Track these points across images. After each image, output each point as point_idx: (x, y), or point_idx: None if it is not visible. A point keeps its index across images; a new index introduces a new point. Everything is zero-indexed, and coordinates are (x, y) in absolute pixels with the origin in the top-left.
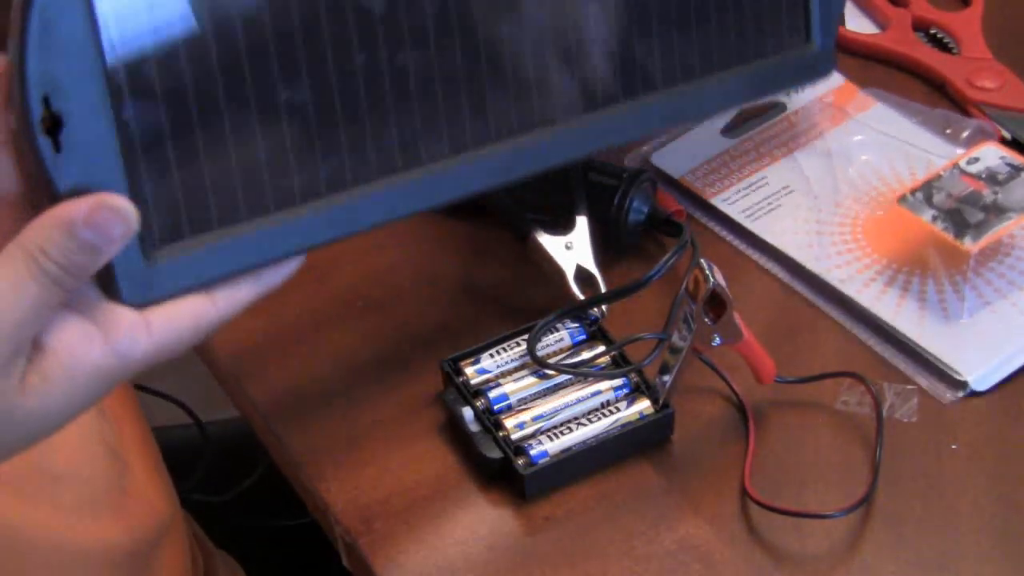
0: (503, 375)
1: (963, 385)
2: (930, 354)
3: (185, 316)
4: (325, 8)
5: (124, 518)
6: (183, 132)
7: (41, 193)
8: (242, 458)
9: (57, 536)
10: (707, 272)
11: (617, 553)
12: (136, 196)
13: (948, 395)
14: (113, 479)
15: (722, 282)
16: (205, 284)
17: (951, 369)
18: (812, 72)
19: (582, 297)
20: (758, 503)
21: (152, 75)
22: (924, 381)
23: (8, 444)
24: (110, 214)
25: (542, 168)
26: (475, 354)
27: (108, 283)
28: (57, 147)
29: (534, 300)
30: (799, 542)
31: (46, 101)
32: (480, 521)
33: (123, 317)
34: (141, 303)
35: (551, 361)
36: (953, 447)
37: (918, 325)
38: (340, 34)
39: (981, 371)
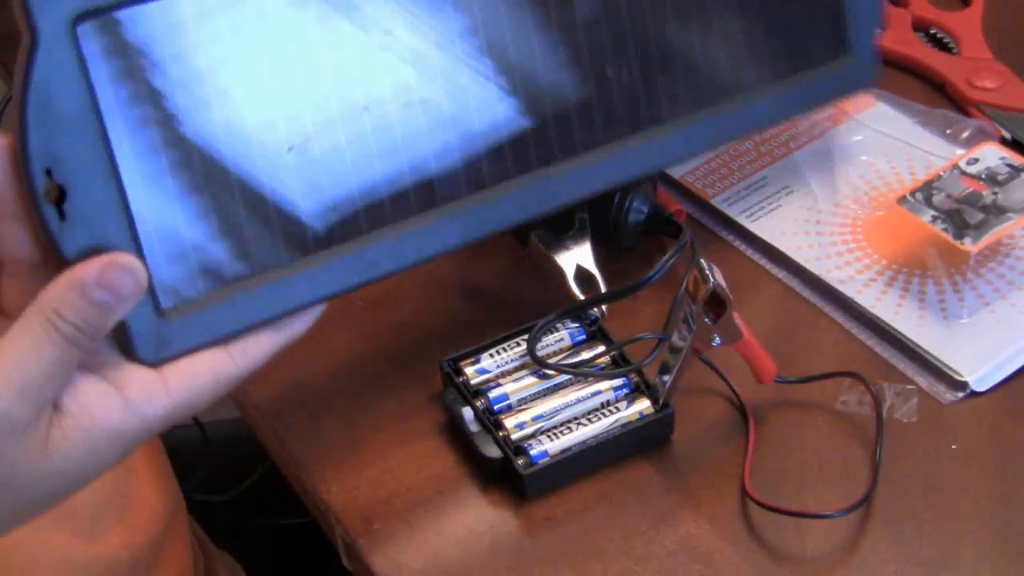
0: (503, 375)
1: (963, 386)
2: (930, 354)
3: (202, 372)
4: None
5: (128, 528)
6: (191, 191)
7: (53, 259)
8: (242, 458)
9: (60, 549)
10: (707, 272)
11: (617, 553)
12: (146, 255)
13: (948, 395)
14: (118, 488)
15: (722, 282)
16: (222, 339)
17: (951, 369)
18: (851, 85)
19: (582, 297)
20: (758, 503)
21: (156, 137)
22: (924, 381)
23: (31, 504)
24: (120, 272)
25: (574, 200)
26: (475, 354)
27: (124, 342)
28: (62, 216)
29: (534, 300)
30: (799, 542)
31: (49, 173)
32: (480, 521)
33: (140, 376)
34: (157, 361)
35: (551, 361)
36: (953, 447)
37: (918, 325)
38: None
39: (981, 371)
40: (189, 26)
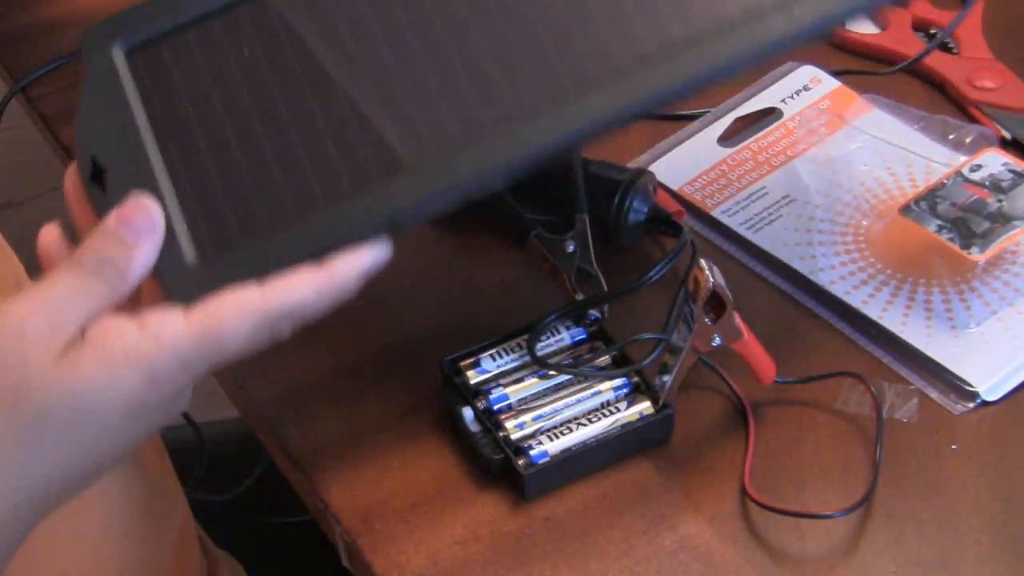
0: (503, 375)
1: (974, 396)
2: (940, 365)
3: (226, 299)
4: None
5: (142, 540)
6: (221, 149)
7: None
8: (240, 459)
9: (74, 563)
10: (707, 272)
11: (617, 553)
12: (187, 214)
13: (959, 406)
14: (138, 500)
15: (722, 282)
16: (256, 274)
17: (961, 380)
18: None
19: (582, 297)
20: (758, 503)
21: (189, 115)
22: (933, 392)
23: (58, 431)
24: (133, 207)
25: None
26: (475, 354)
27: (161, 286)
28: (103, 190)
29: (534, 300)
30: (799, 542)
31: (94, 160)
32: (480, 521)
33: (161, 308)
34: (192, 302)
35: (551, 361)
36: (953, 447)
37: (926, 335)
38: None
39: (992, 381)
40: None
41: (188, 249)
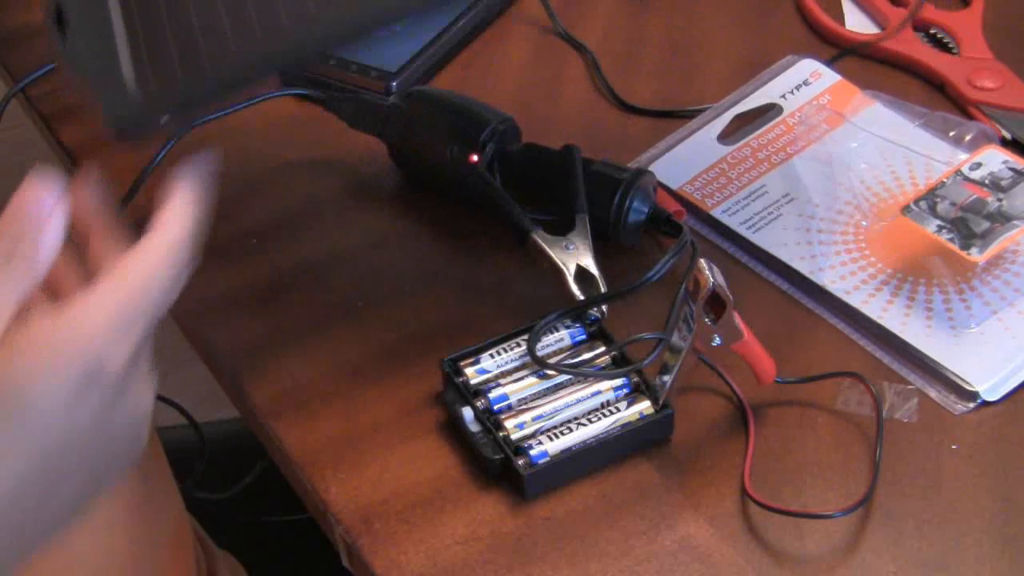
0: (503, 375)
1: (974, 396)
2: (940, 365)
3: (144, 250)
4: None
5: (138, 536)
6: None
7: None
8: (239, 459)
9: (72, 559)
10: (707, 272)
11: (617, 553)
12: (133, 49)
13: (959, 406)
14: (133, 495)
15: (722, 282)
16: (190, 104)
17: (962, 379)
18: None
19: (582, 297)
20: (758, 503)
21: None
22: (934, 392)
23: (7, 437)
24: (28, 196)
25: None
26: (475, 354)
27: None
28: (64, 33)
29: (534, 300)
30: (799, 542)
31: (58, 9)
32: (480, 521)
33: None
34: (130, 129)
35: (551, 361)
36: (953, 447)
37: (926, 335)
38: None
39: (992, 381)
40: None
41: (130, 79)
